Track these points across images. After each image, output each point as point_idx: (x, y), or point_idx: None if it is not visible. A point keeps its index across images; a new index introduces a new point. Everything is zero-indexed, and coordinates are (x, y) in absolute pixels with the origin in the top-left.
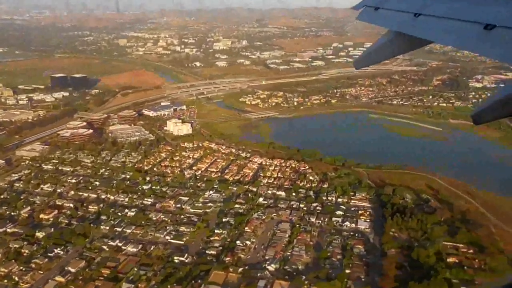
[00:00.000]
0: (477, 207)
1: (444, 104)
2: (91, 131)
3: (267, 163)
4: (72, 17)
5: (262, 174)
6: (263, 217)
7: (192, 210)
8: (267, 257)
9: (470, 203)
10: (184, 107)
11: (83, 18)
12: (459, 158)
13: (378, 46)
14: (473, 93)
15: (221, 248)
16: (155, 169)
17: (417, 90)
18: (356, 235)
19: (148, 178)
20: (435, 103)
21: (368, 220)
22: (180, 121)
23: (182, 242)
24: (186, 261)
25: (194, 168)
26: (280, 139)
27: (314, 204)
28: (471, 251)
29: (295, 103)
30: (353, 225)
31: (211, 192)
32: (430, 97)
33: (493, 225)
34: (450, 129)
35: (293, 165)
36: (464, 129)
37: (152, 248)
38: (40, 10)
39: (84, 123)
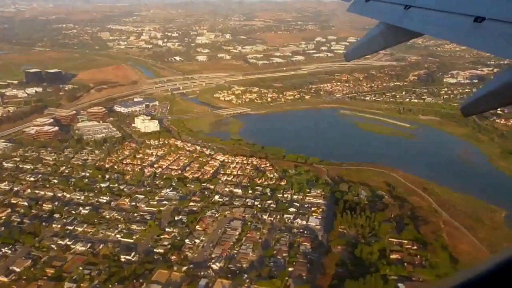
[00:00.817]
0: (430, 203)
1: (416, 100)
2: (56, 128)
3: (229, 161)
4: (58, 9)
5: (222, 172)
6: (217, 215)
7: (146, 208)
8: (213, 256)
9: (424, 199)
10: (157, 103)
11: (70, 10)
12: (421, 155)
13: (369, 38)
14: (446, 89)
15: (169, 246)
16: (115, 167)
17: (392, 86)
18: (305, 232)
19: (107, 176)
20: (407, 99)
21: (320, 217)
22: (149, 117)
23: (132, 241)
24: (133, 259)
25: (156, 165)
26: (249, 136)
27: (269, 202)
28: (415, 247)
29: (269, 99)
30: (304, 222)
31: (168, 190)
32: (404, 93)
33: (443, 221)
34: (419, 125)
35: (255, 163)
36: (432, 125)
37: (101, 247)
38: (29, 2)
39: (51, 120)
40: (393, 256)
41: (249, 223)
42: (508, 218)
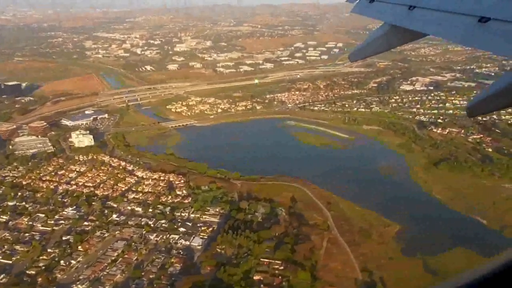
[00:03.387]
0: (326, 219)
1: (363, 110)
2: None
3: (147, 177)
4: (54, 16)
5: (134, 189)
6: (105, 235)
7: (41, 228)
8: (81, 278)
9: (322, 215)
10: (106, 115)
11: (65, 17)
12: (344, 167)
13: (373, 39)
14: (397, 97)
15: (43, 268)
16: (32, 184)
17: (349, 94)
18: (183, 253)
19: (19, 194)
20: (356, 108)
21: (206, 237)
22: (87, 132)
23: (11, 262)
24: (1, 281)
25: (72, 182)
26: (183, 149)
27: (162, 221)
28: (282, 267)
29: (220, 110)
30: (187, 242)
31: (70, 209)
32: (354, 101)
33: (329, 238)
34: (358, 135)
35: (171, 179)
36: (371, 136)
37: None
38: (30, 9)
39: None
40: (256, 277)
41: (133, 243)
42: (400, 233)
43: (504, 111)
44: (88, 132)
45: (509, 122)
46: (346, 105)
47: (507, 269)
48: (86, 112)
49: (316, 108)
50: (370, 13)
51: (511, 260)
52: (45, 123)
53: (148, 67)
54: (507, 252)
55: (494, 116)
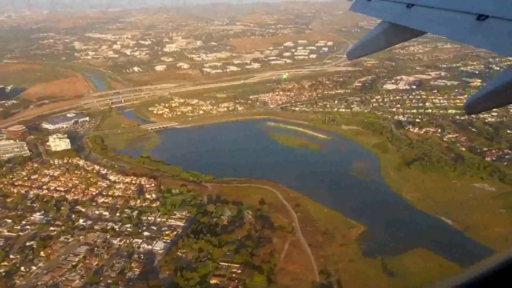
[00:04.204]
0: (292, 221)
1: (344, 110)
2: None
3: (119, 181)
4: (49, 16)
5: (105, 193)
6: (69, 240)
7: (7, 234)
8: (39, 283)
9: (289, 217)
10: (87, 118)
11: (59, 18)
12: (318, 168)
13: (371, 37)
14: (378, 97)
15: (4, 274)
16: (4, 189)
17: (333, 94)
18: (144, 257)
19: None
20: (336, 108)
21: (169, 241)
22: (65, 135)
23: None
24: None
25: (44, 187)
26: (161, 152)
27: (128, 225)
28: (240, 271)
29: (201, 112)
30: (150, 246)
31: (38, 214)
32: (336, 101)
33: (292, 241)
34: (336, 136)
35: (143, 182)
36: (348, 136)
37: None
38: (28, 9)
39: None
40: (213, 281)
41: (95, 248)
42: (363, 234)
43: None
44: (65, 135)
45: (486, 121)
46: (328, 105)
47: (504, 268)
48: (68, 115)
49: (297, 108)
50: (368, 11)
51: (508, 260)
52: (23, 127)
53: (136, 68)
54: (505, 252)
55: (473, 115)
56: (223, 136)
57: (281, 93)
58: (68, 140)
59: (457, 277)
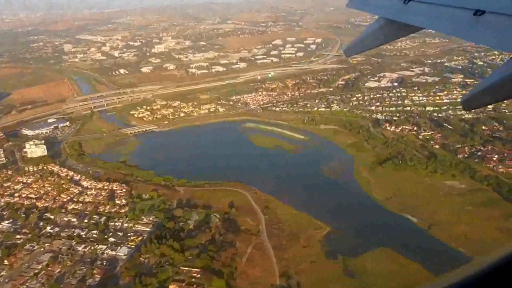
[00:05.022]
0: (259, 224)
1: (323, 109)
2: None
3: (91, 187)
4: (42, 19)
5: (76, 199)
6: (35, 248)
7: None
8: None
9: (256, 220)
10: (68, 123)
11: (53, 20)
12: (291, 169)
13: (368, 33)
14: (359, 95)
15: None
16: None
17: (315, 93)
18: (107, 263)
19: None
20: (316, 108)
21: (133, 246)
22: (42, 141)
23: None
24: None
25: (16, 194)
26: (137, 157)
27: (94, 232)
28: (199, 276)
29: (182, 114)
30: (114, 252)
31: (6, 222)
32: (317, 101)
33: (256, 244)
34: (314, 135)
35: (115, 188)
36: (325, 136)
37: None
38: (25, 11)
39: None
40: (172, 286)
41: (59, 255)
42: (328, 235)
43: (460, 106)
44: (42, 141)
45: (463, 117)
46: (308, 105)
47: (499, 267)
48: (49, 120)
49: (278, 108)
50: (365, 8)
51: (503, 259)
52: (1, 134)
53: (122, 71)
54: (499, 251)
55: (450, 112)
56: (201, 138)
57: (264, 93)
58: (44, 147)
59: (447, 278)
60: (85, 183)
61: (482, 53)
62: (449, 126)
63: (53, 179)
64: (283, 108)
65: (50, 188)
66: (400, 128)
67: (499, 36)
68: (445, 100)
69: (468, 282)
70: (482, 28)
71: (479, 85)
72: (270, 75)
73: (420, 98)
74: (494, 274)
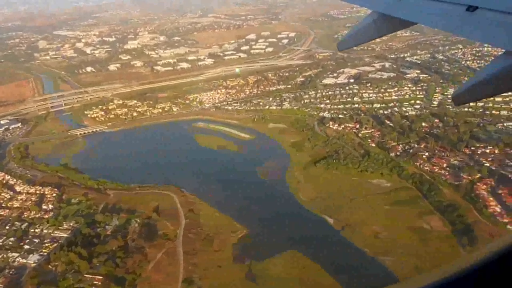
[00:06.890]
0: (178, 228)
1: (275, 107)
2: None
3: (24, 191)
4: (25, 14)
5: (4, 205)
6: None
7: None
8: None
9: (176, 224)
10: (19, 124)
11: (34, 15)
12: (227, 170)
13: (362, 27)
14: (312, 92)
15: None
16: None
17: (274, 90)
18: (13, 271)
19: None
20: (267, 106)
21: (46, 253)
22: None
23: None
24: None
25: None
26: (80, 159)
27: (12, 239)
28: (100, 283)
29: (135, 114)
30: (24, 260)
31: None
32: (270, 99)
33: (167, 249)
34: (260, 135)
35: (46, 192)
36: (271, 135)
37: None
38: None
39: None
40: None
41: None
42: (243, 239)
43: (407, 103)
44: None
45: (406, 114)
46: (261, 103)
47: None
48: (1, 121)
49: (231, 107)
50: (358, 1)
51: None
52: None
53: (89, 69)
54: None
55: (396, 109)
56: (148, 139)
57: (222, 91)
58: None
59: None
60: (18, 188)
61: (446, 47)
62: (390, 124)
63: None
64: (236, 107)
65: None
66: (342, 126)
67: (491, 32)
68: (393, 97)
69: (463, 276)
70: (474, 24)
71: (469, 80)
72: (237, 71)
73: (370, 95)
74: (490, 266)
